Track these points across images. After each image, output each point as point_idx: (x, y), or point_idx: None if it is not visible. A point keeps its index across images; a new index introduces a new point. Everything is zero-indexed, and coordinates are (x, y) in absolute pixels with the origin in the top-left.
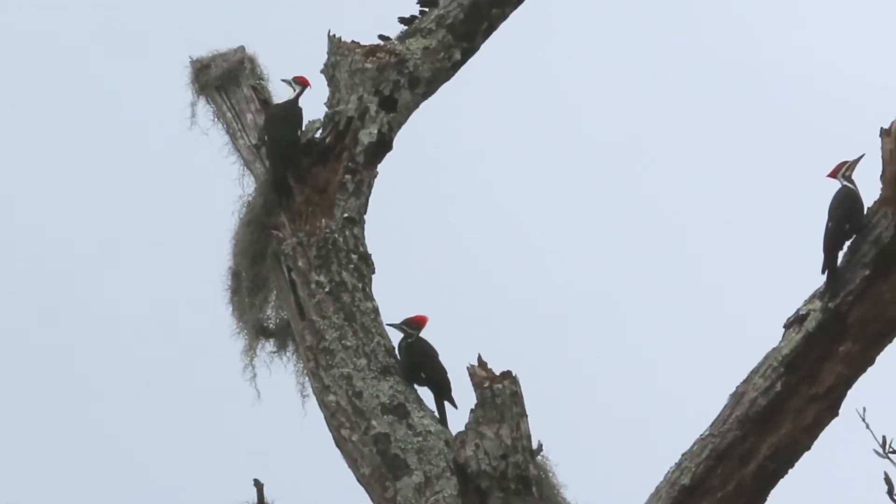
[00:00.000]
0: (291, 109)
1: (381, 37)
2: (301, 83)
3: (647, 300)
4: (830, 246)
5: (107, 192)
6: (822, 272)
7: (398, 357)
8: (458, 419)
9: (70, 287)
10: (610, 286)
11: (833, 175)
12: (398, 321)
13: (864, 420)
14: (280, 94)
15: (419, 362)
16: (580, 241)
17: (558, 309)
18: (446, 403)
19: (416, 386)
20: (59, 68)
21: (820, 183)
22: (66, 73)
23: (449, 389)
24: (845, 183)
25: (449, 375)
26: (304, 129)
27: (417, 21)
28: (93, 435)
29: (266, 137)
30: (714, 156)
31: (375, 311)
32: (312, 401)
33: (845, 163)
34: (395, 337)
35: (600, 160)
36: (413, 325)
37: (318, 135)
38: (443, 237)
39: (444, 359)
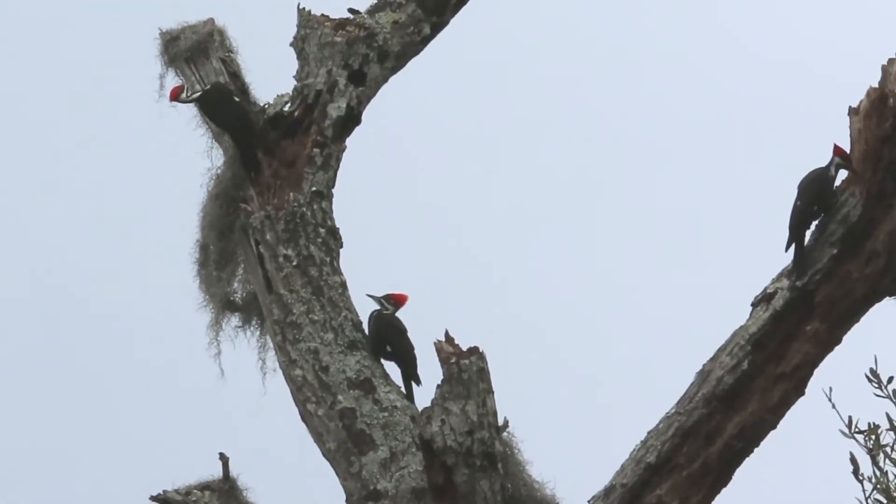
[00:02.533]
0: (218, 88)
1: (350, 10)
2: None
3: (613, 277)
4: (797, 224)
5: (73, 164)
6: (786, 250)
7: (366, 332)
8: (425, 395)
9: (31, 258)
10: (577, 263)
11: (838, 152)
12: (380, 294)
13: (830, 400)
14: (248, 65)
15: (385, 335)
16: (548, 217)
17: (527, 289)
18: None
19: (382, 361)
20: (27, 39)
21: (788, 160)
22: (32, 43)
23: (414, 366)
24: (831, 168)
25: (416, 353)
26: (239, 98)
27: None
28: (48, 414)
29: (219, 126)
30: (680, 131)
31: (343, 285)
32: (273, 376)
33: (849, 160)
34: (363, 311)
35: (569, 131)
36: (392, 302)
37: (286, 108)
38: (411, 212)
39: (412, 335)
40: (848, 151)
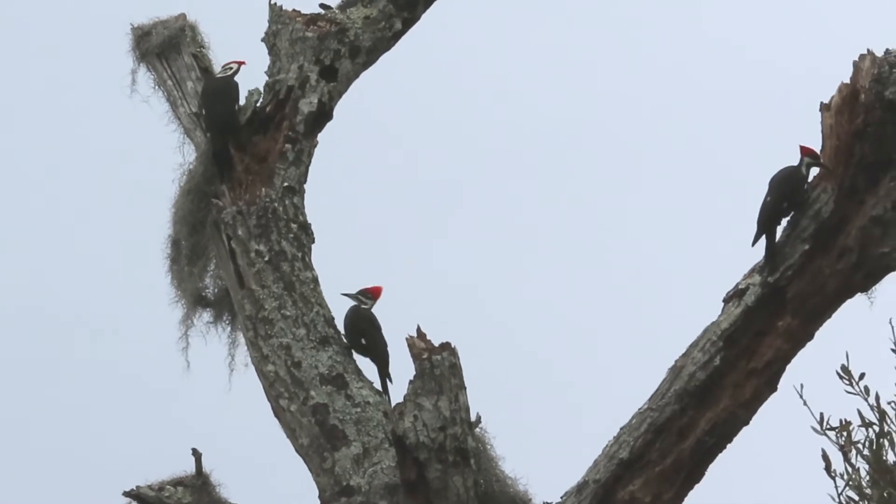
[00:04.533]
0: (228, 83)
1: (322, 6)
2: (237, 63)
3: (584, 273)
4: (768, 220)
5: (45, 160)
6: (753, 244)
7: (337, 327)
8: (397, 391)
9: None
10: (549, 259)
11: (806, 153)
12: (354, 291)
13: (801, 397)
14: (220, 61)
15: (361, 328)
16: (520, 215)
17: (499, 285)
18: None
19: (356, 357)
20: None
21: (759, 157)
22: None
23: (386, 363)
24: (802, 168)
25: (388, 350)
26: (241, 103)
27: None
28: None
29: (203, 112)
30: (649, 129)
31: (315, 280)
32: (240, 372)
33: (818, 157)
34: (335, 307)
35: (539, 132)
36: (368, 296)
37: (257, 104)
38: (384, 208)
39: (386, 333)
40: (817, 148)
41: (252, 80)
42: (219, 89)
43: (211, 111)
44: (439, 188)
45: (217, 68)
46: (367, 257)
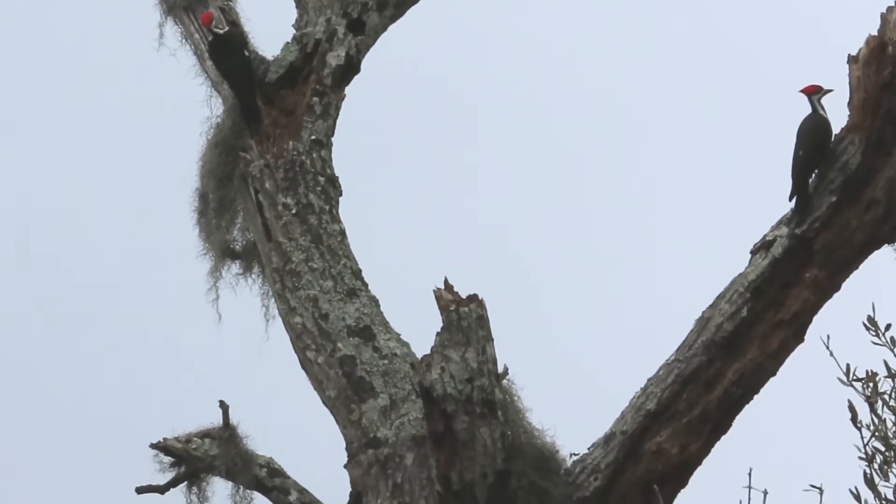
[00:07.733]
0: (228, 36)
1: None
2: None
3: (612, 223)
4: (801, 173)
5: (70, 113)
6: (790, 199)
7: (364, 280)
8: (424, 343)
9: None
10: (576, 210)
11: (809, 92)
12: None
13: (828, 348)
14: (247, 14)
15: None
16: (551, 178)
17: (527, 237)
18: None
19: (384, 309)
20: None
21: (786, 108)
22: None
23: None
24: (819, 109)
25: (420, 301)
26: (250, 49)
27: None
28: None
29: (220, 72)
30: (677, 79)
31: (342, 233)
32: (276, 324)
33: (821, 87)
34: (363, 260)
35: (567, 100)
36: None
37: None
38: (413, 162)
39: (412, 285)
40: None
41: (281, 34)
42: (220, 45)
43: (222, 68)
44: (466, 138)
45: (243, 21)
46: (393, 209)
